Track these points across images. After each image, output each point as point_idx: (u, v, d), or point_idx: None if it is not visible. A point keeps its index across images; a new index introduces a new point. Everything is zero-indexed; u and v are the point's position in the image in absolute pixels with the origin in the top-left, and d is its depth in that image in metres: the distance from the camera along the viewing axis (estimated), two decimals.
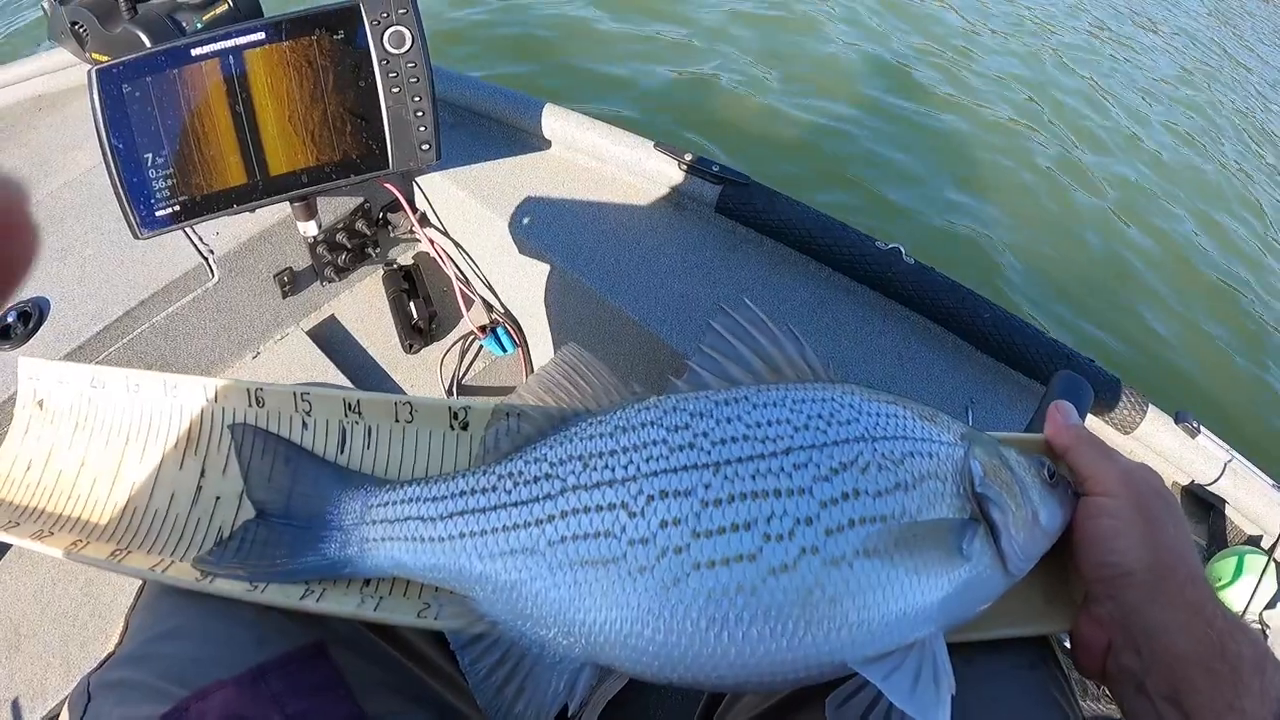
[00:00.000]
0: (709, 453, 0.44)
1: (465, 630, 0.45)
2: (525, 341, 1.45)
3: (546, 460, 0.46)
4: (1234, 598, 1.04)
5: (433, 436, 0.54)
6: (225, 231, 1.27)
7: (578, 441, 0.47)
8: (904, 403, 0.49)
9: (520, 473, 0.46)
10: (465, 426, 0.54)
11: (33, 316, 1.17)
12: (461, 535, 0.46)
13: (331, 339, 1.43)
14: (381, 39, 0.98)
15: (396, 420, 0.54)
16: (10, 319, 1.17)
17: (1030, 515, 0.48)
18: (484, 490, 0.46)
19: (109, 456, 0.60)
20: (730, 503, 0.43)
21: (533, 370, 1.45)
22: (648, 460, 0.45)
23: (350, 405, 0.54)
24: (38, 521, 0.59)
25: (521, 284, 1.34)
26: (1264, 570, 1.00)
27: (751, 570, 0.42)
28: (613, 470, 0.45)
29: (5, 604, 1.10)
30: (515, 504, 0.45)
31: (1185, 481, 1.10)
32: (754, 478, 0.43)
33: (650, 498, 0.44)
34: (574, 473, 0.45)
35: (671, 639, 0.42)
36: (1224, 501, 1.10)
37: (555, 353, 0.51)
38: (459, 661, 0.45)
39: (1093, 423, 1.05)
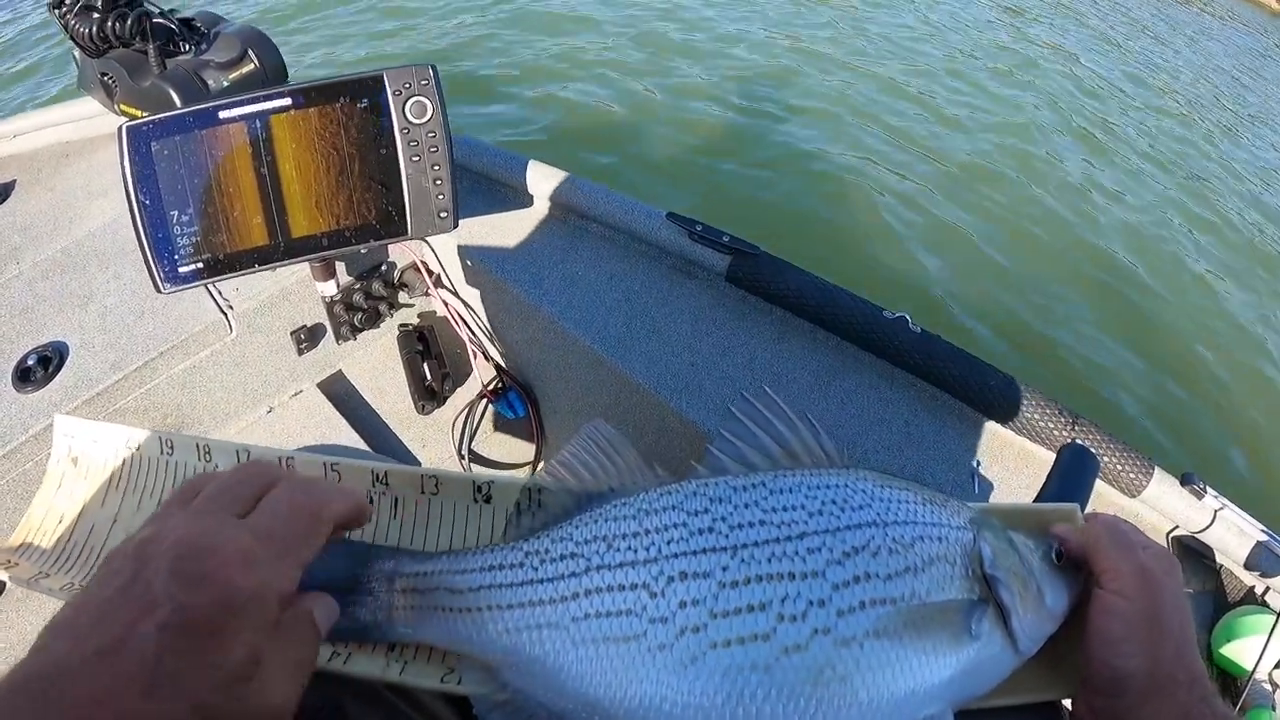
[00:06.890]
0: (727, 536, 0.46)
1: (489, 697, 0.46)
2: (536, 405, 1.47)
3: (572, 539, 0.48)
4: (1239, 656, 1.06)
5: (456, 508, 0.56)
6: (245, 288, 1.29)
7: (602, 523, 0.48)
8: (915, 488, 0.51)
9: (547, 550, 0.48)
10: (488, 500, 0.55)
11: (52, 361, 1.19)
12: (488, 608, 0.47)
13: (345, 397, 1.45)
14: (403, 109, 1.01)
15: (422, 492, 0.56)
16: (31, 362, 1.18)
17: (1037, 597, 0.49)
18: (511, 566, 0.48)
19: (141, 517, 0.62)
20: (747, 584, 0.45)
21: (543, 434, 1.46)
22: (669, 543, 0.46)
23: (378, 476, 0.56)
24: (68, 574, 0.60)
25: (532, 348, 1.35)
26: (1273, 629, 1.01)
27: (766, 650, 0.43)
28: (635, 551, 0.46)
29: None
30: (541, 580, 0.47)
31: (1189, 540, 1.11)
32: (769, 561, 0.45)
33: (670, 579, 0.45)
34: (598, 552, 0.47)
35: (689, 714, 0.43)
36: (1216, 551, 1.11)
37: (580, 428, 0.53)
38: None
39: (1099, 487, 1.06)
